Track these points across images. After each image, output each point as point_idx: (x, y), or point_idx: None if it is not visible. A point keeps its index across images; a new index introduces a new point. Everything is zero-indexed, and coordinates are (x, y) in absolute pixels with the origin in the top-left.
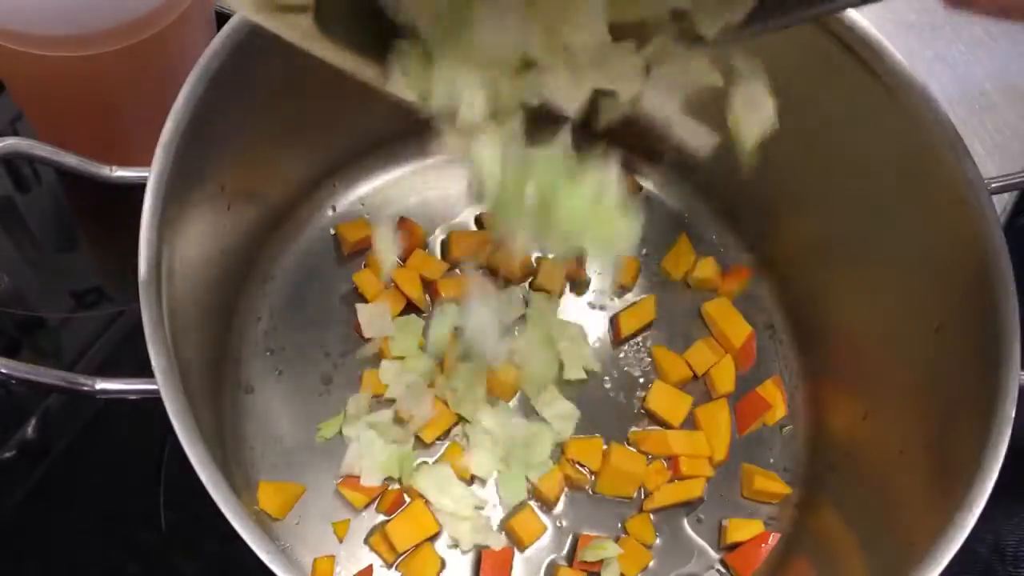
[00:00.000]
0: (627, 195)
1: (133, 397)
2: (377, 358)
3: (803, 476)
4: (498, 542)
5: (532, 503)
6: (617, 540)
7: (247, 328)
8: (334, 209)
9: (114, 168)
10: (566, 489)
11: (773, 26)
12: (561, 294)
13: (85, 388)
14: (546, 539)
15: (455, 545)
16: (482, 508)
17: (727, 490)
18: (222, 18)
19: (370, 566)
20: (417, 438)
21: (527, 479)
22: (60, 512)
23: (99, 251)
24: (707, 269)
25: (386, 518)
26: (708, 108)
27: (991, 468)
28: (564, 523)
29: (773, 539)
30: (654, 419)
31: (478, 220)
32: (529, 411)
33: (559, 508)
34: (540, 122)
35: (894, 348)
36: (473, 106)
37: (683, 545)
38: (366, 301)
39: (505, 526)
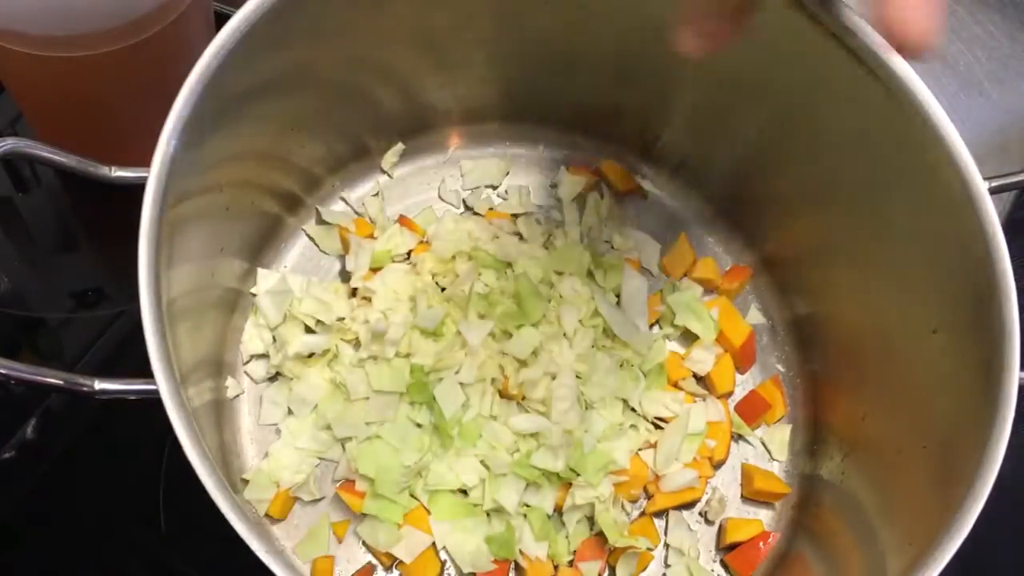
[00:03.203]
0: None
1: (133, 397)
2: None
3: (803, 476)
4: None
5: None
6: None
7: (247, 328)
8: (333, 209)
9: (114, 168)
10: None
11: None
12: None
13: (85, 388)
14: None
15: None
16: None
17: (727, 490)
18: (222, 18)
19: (369, 565)
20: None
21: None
22: (60, 512)
23: (99, 251)
24: (707, 269)
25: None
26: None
27: (990, 469)
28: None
29: (773, 539)
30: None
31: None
32: None
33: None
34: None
35: (893, 348)
36: None
37: (683, 546)
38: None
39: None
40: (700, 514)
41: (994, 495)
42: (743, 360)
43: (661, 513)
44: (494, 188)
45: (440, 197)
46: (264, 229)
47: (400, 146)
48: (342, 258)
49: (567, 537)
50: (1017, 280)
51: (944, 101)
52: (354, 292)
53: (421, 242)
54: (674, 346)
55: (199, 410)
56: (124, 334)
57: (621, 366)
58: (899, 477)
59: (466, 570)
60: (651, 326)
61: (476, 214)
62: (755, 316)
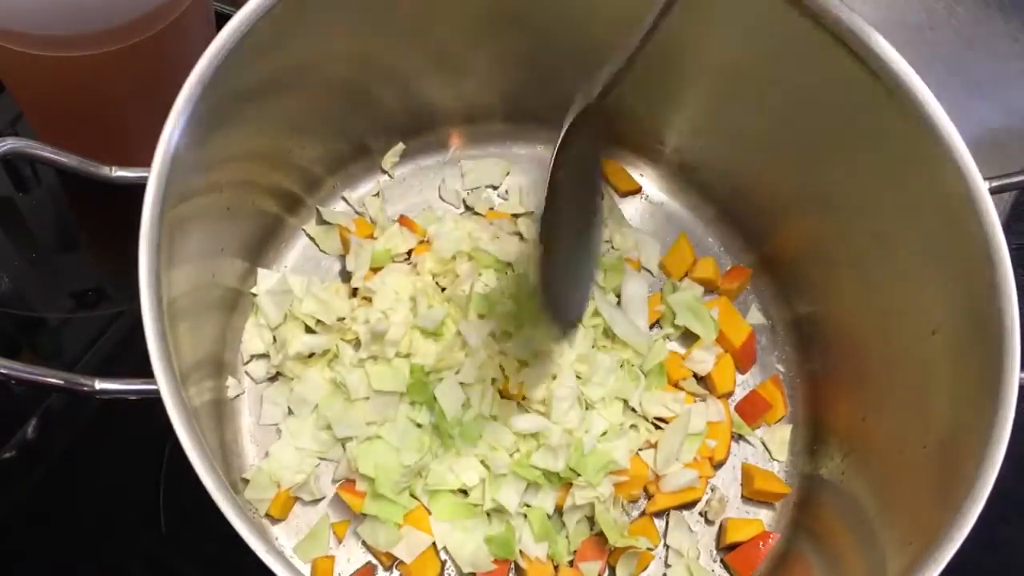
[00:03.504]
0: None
1: (133, 397)
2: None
3: (803, 476)
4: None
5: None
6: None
7: (247, 328)
8: (333, 209)
9: (114, 168)
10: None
11: None
12: None
13: (85, 388)
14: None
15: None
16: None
17: (727, 490)
18: (222, 18)
19: (369, 565)
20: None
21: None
22: (60, 512)
23: (99, 251)
24: (707, 269)
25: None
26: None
27: (990, 469)
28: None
29: (773, 539)
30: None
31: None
32: None
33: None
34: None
35: (893, 349)
36: None
37: (683, 546)
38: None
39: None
40: (700, 514)
41: (994, 494)
42: (743, 360)
43: (661, 513)
44: (494, 188)
45: (440, 197)
46: (264, 229)
47: (400, 146)
48: (342, 258)
49: (567, 537)
50: (1017, 280)
51: (944, 101)
52: (354, 292)
53: (421, 242)
54: (674, 346)
55: (199, 410)
56: (124, 334)
57: (621, 366)
58: (899, 477)
59: (466, 570)
60: (651, 326)
61: (476, 214)
62: (755, 316)
